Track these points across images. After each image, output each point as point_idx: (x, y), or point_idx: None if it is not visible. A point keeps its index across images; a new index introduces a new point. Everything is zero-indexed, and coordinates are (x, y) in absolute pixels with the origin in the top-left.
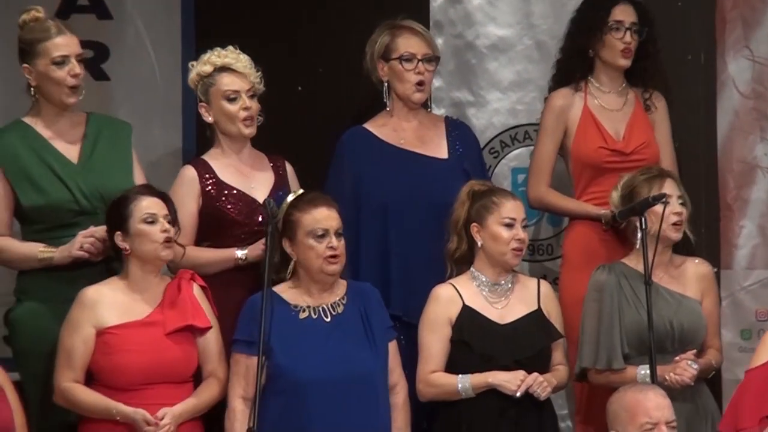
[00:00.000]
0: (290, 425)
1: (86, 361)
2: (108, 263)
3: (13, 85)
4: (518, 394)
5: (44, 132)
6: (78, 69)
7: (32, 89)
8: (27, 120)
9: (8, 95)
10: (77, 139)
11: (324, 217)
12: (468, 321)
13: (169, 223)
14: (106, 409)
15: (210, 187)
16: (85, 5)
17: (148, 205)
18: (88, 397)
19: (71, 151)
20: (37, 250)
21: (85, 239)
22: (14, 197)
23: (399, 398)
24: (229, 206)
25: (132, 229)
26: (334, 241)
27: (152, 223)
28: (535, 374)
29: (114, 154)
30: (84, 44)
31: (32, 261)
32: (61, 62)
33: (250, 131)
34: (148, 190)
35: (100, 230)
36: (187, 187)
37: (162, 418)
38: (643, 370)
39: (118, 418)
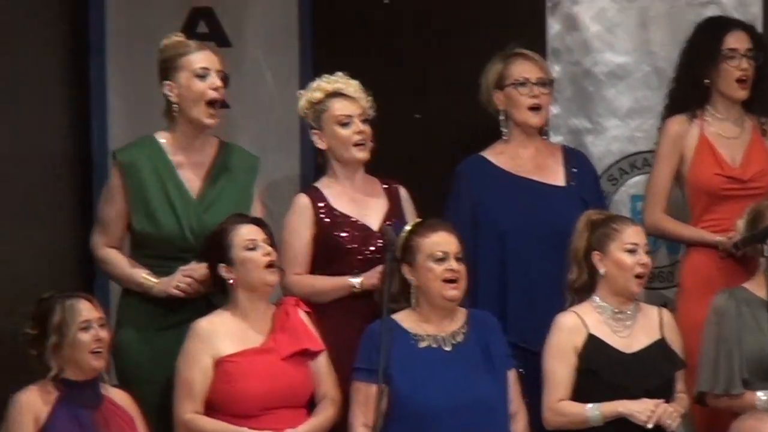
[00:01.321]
0: None
1: (206, 392)
2: (208, 297)
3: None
4: (650, 425)
5: (174, 156)
6: (219, 83)
7: (173, 106)
8: (160, 138)
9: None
10: (205, 169)
11: (444, 240)
12: (595, 350)
13: (269, 245)
14: None
15: (323, 215)
16: (205, 33)
17: (248, 231)
18: (212, 427)
19: (194, 183)
20: (140, 275)
21: (183, 278)
22: (130, 216)
23: (519, 426)
24: (342, 234)
25: (235, 258)
26: (454, 264)
27: (253, 249)
28: (665, 404)
29: (236, 191)
30: None
31: (132, 284)
32: (202, 75)
33: (363, 155)
34: (242, 218)
35: (199, 270)
36: (301, 215)
37: None
38: (763, 396)
39: None
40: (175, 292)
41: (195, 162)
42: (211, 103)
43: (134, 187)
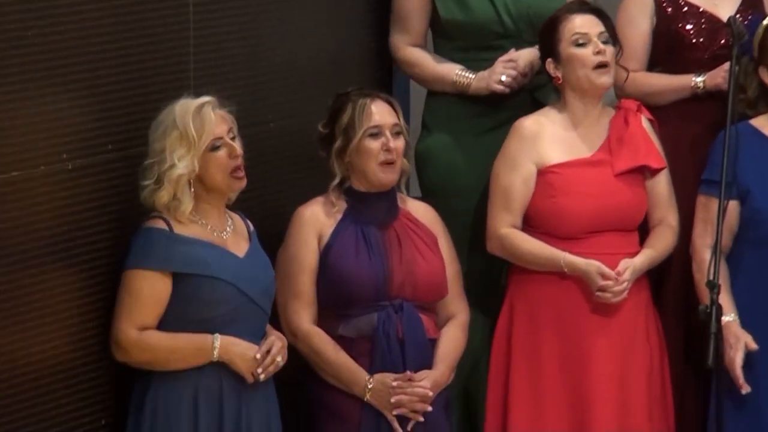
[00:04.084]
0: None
1: (525, 204)
2: (532, 92)
3: None
4: None
5: None
6: None
7: None
8: None
9: None
10: None
11: None
12: None
13: (604, 43)
14: (551, 258)
15: (666, 4)
16: None
17: (581, 23)
18: (529, 245)
19: None
20: (453, 72)
21: (505, 70)
22: (432, 6)
23: None
24: (687, 26)
25: (562, 53)
26: None
27: (583, 45)
28: None
29: None
30: None
31: (445, 83)
32: None
33: None
34: (581, 6)
35: (523, 58)
36: (640, 4)
37: (623, 272)
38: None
39: (565, 269)
40: (497, 86)
41: None
42: None
43: None
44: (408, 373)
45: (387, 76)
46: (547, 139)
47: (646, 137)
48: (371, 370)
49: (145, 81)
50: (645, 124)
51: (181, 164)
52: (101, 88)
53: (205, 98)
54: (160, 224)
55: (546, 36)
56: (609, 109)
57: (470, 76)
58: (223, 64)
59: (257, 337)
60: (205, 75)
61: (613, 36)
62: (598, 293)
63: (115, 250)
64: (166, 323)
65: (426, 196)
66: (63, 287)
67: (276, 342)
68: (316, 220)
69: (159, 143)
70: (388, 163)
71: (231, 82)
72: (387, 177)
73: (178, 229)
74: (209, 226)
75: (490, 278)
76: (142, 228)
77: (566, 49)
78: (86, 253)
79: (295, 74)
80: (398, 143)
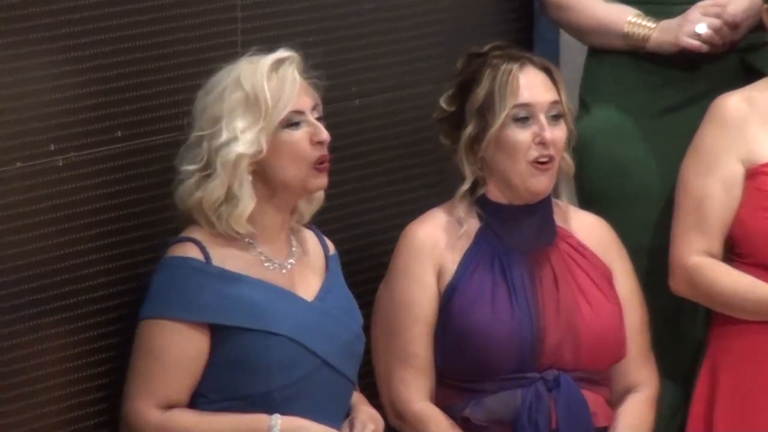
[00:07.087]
0: None
1: (727, 221)
2: (745, 54)
3: None
4: None
5: None
6: None
7: None
8: None
9: None
10: None
11: None
12: None
13: None
14: (765, 299)
15: None
16: None
17: None
18: (731, 281)
19: None
20: (625, 19)
21: (706, 18)
22: None
23: None
24: None
25: None
26: None
27: None
28: None
29: None
30: None
31: (612, 35)
32: None
33: None
34: None
35: (736, 2)
36: None
37: None
38: None
39: None
40: (691, 41)
41: None
42: None
43: None
44: None
45: (526, 31)
46: (761, 125)
47: None
48: None
49: (169, 44)
50: None
51: (244, 138)
52: (105, 60)
53: (285, 52)
54: (193, 251)
55: None
56: None
57: (651, 25)
58: (284, 11)
59: (338, 415)
60: (255, 27)
61: None
62: None
63: (124, 286)
64: (201, 398)
65: (585, 204)
66: (48, 345)
67: (367, 425)
68: (435, 246)
69: (212, 110)
70: (542, 163)
71: (296, 37)
72: (538, 184)
73: (219, 259)
74: (264, 255)
75: (675, 327)
76: (166, 257)
77: None
78: (82, 293)
79: (389, 29)
80: (556, 132)
